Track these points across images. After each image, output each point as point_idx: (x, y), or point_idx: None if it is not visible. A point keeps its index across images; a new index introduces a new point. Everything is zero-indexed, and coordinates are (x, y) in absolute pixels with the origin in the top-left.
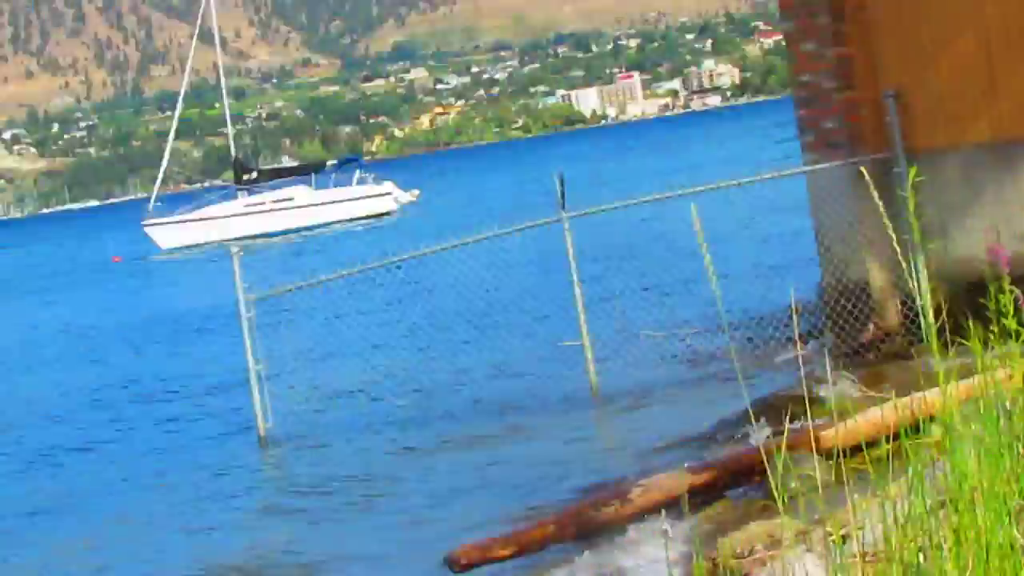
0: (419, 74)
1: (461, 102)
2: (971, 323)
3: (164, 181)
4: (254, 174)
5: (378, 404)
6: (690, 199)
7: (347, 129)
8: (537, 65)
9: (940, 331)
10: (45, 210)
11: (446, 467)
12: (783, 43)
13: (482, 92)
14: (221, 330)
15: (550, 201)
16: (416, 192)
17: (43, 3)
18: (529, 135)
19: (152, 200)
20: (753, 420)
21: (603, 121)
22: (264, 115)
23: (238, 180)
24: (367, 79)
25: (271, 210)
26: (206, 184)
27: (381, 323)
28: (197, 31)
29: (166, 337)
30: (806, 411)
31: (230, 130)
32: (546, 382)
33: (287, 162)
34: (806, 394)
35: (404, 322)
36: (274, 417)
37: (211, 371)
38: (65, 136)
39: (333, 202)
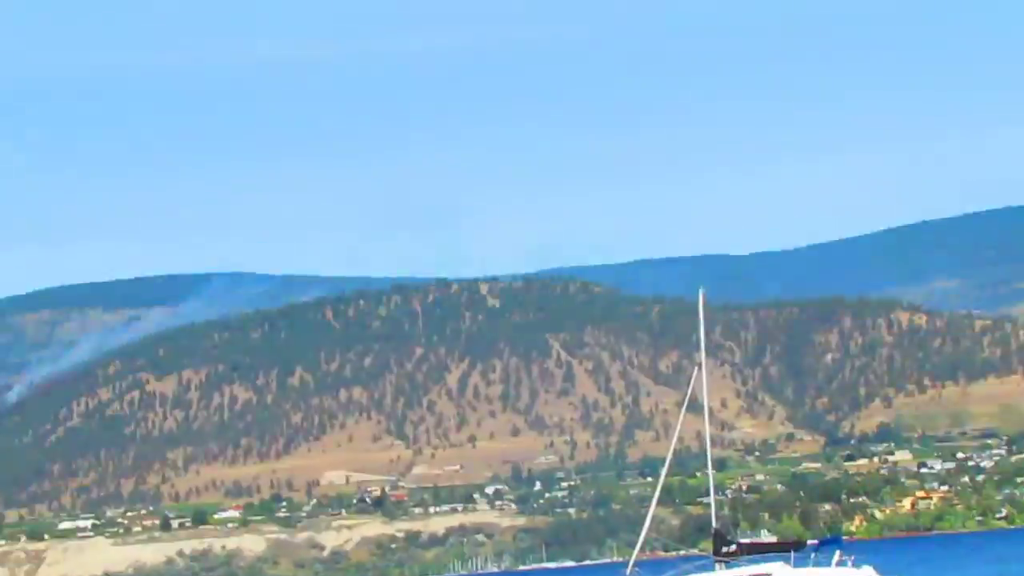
0: (903, 456)
1: (944, 487)
2: None
3: (642, 546)
4: (733, 547)
5: None
6: None
7: (827, 507)
8: None
9: None
10: (522, 567)
11: None
12: None
13: (967, 479)
14: None
15: None
16: None
17: (534, 363)
18: (1013, 526)
19: (631, 566)
20: None
21: None
22: (745, 487)
23: (716, 551)
24: (850, 458)
25: None
26: (683, 552)
27: None
28: (687, 400)
29: None
30: None
31: (713, 501)
32: None
33: (766, 536)
34: None
35: None
36: None
37: None
38: (546, 495)
39: None
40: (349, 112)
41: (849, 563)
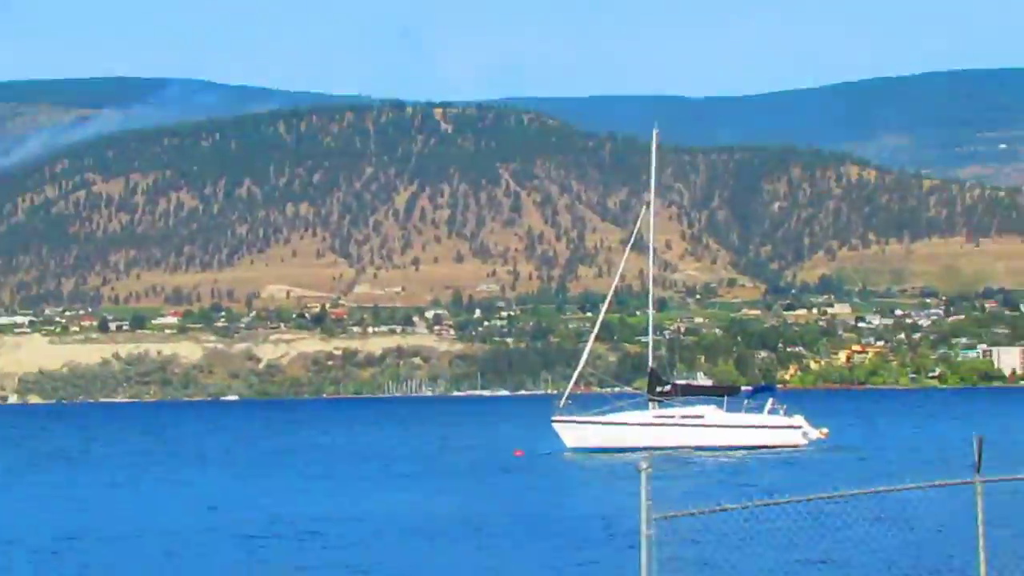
0: (842, 309)
1: (880, 343)
2: None
3: (577, 381)
4: (667, 387)
5: None
6: None
7: (763, 354)
8: (962, 316)
9: None
10: (456, 392)
11: None
12: None
13: (903, 336)
14: (612, 541)
15: (962, 460)
16: (825, 431)
17: (482, 190)
18: (944, 385)
19: (563, 398)
20: None
21: (1021, 382)
22: (683, 329)
23: (651, 391)
24: (790, 307)
25: (679, 425)
26: (618, 389)
27: (785, 562)
28: (632, 238)
29: (553, 537)
30: None
31: (651, 340)
32: None
33: (701, 379)
34: None
35: (803, 562)
36: None
37: None
38: (485, 323)
39: (742, 427)
40: None
41: (781, 411)
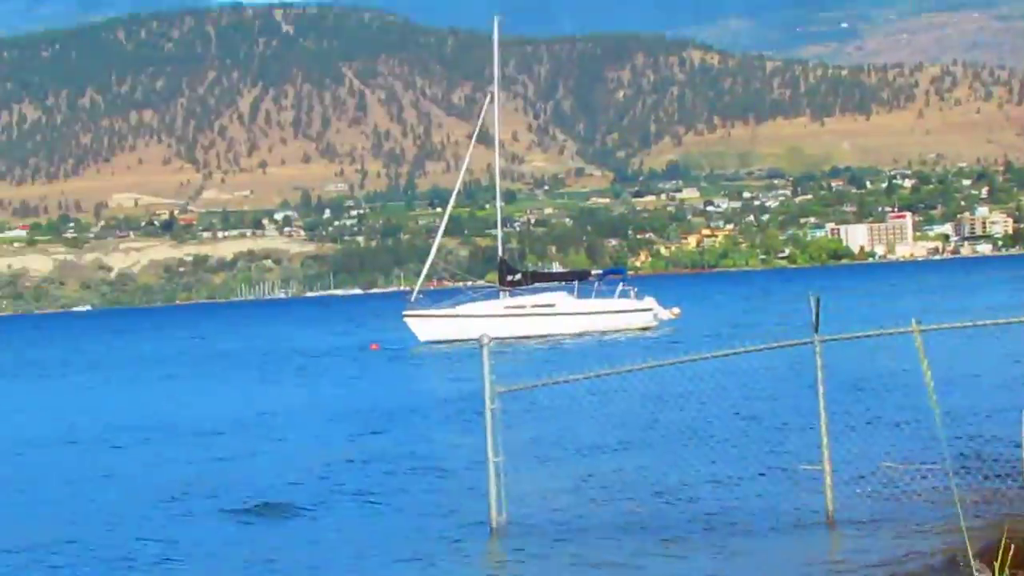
0: (691, 194)
1: (730, 226)
2: None
3: (428, 276)
4: (518, 276)
5: (606, 507)
6: (947, 335)
7: (613, 242)
8: (810, 196)
9: None
10: (309, 293)
11: None
12: None
13: (752, 218)
14: (463, 421)
15: (806, 328)
16: (677, 310)
17: (326, 90)
18: (794, 265)
19: (415, 293)
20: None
21: (870, 259)
22: (533, 220)
23: (502, 281)
24: (638, 194)
25: (531, 314)
26: (469, 283)
27: (619, 427)
28: (477, 132)
29: (414, 421)
30: None
31: (499, 232)
32: (781, 503)
33: (552, 268)
34: None
35: (643, 429)
36: (507, 510)
37: (452, 456)
38: (335, 223)
39: (593, 312)
40: None
41: (632, 294)
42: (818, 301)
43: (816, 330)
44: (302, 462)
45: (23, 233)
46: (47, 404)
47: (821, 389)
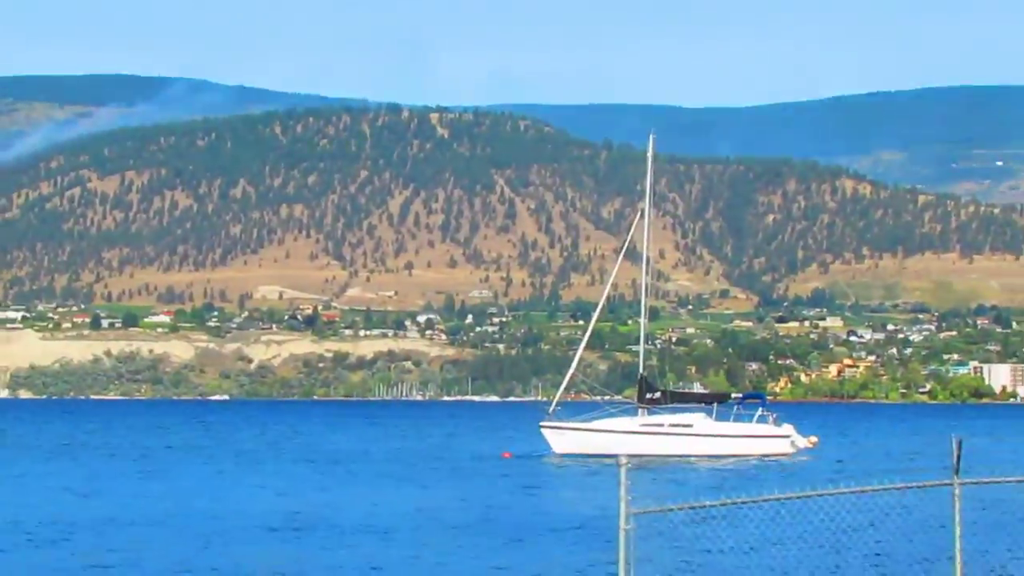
0: (834, 323)
1: (872, 357)
2: None
3: (567, 388)
4: (657, 394)
5: None
6: None
7: (754, 366)
8: (954, 333)
9: None
10: (446, 397)
11: None
12: None
13: (894, 351)
14: (592, 539)
15: (945, 467)
16: (815, 439)
17: (476, 196)
18: (935, 401)
19: (553, 404)
20: None
21: (1012, 399)
22: (674, 339)
23: (640, 398)
24: (782, 320)
25: (668, 433)
26: (607, 397)
27: (751, 553)
28: (625, 247)
29: (538, 537)
30: None
31: (641, 349)
32: None
33: (697, 389)
34: None
35: (776, 558)
36: None
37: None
38: (477, 329)
39: (731, 436)
40: None
41: (770, 420)
42: (960, 443)
43: (957, 473)
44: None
45: (167, 319)
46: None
47: (958, 531)
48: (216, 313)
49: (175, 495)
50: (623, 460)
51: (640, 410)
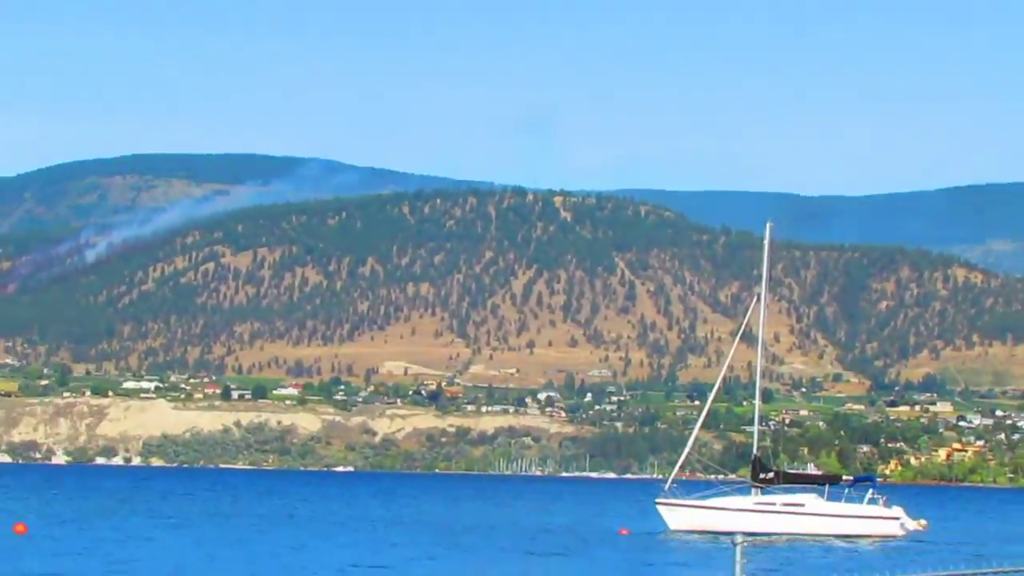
0: (944, 408)
1: (980, 442)
2: None
3: (683, 466)
4: (771, 474)
5: None
6: None
7: (865, 448)
8: None
9: None
10: (564, 473)
11: None
12: None
13: (1003, 436)
14: None
15: None
16: (924, 522)
17: (597, 278)
18: None
19: (669, 482)
20: None
21: None
22: (787, 421)
23: (754, 477)
24: (893, 404)
25: (780, 512)
26: (722, 476)
27: None
28: (741, 330)
29: None
30: None
31: (756, 430)
32: None
33: (812, 470)
34: None
35: None
36: None
37: None
38: (596, 407)
39: (842, 516)
40: (449, 15)
41: (880, 502)
42: None
43: None
44: None
45: (295, 392)
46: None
47: None
48: (343, 387)
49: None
50: (739, 538)
51: (754, 489)
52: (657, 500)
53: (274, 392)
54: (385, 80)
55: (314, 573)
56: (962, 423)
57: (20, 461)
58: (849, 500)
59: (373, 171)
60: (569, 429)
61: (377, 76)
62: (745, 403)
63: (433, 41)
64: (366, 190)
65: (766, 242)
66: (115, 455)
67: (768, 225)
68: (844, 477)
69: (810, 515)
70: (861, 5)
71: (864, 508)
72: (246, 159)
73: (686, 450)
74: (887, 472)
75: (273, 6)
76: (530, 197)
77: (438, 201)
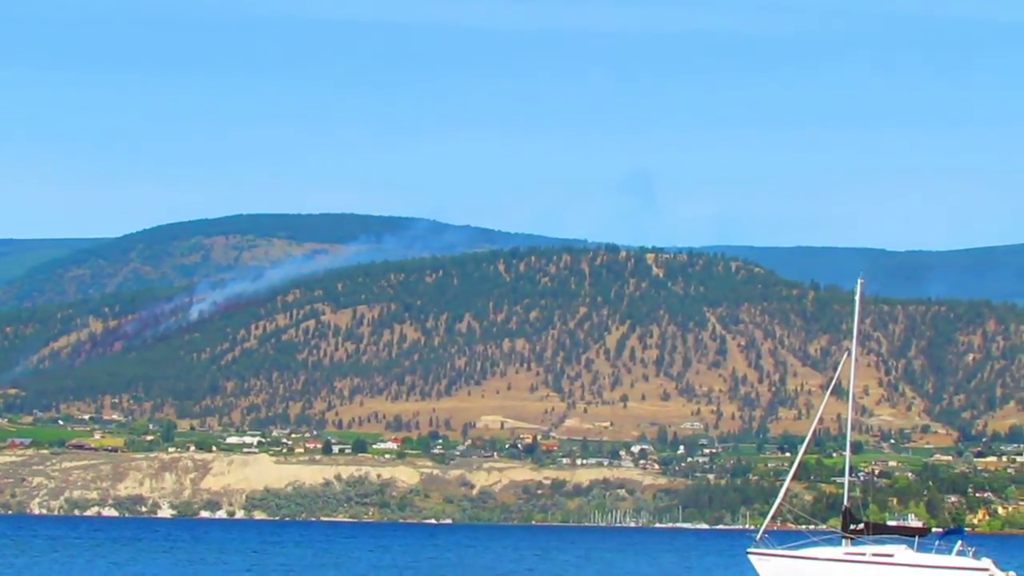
0: None
1: None
2: None
3: (774, 516)
4: (860, 525)
5: None
6: None
7: (953, 498)
8: None
9: None
10: (658, 524)
11: None
12: None
13: None
14: None
15: None
16: (1013, 575)
17: (689, 332)
18: None
19: (760, 532)
20: None
21: None
22: (877, 472)
23: (845, 528)
24: (980, 454)
25: (870, 562)
26: (812, 527)
27: None
28: (832, 384)
29: None
30: None
31: (846, 481)
32: None
33: (912, 521)
34: None
35: None
36: None
37: None
38: (688, 459)
39: (932, 567)
40: (553, 82)
41: (970, 554)
42: None
43: None
44: None
45: (394, 446)
46: None
47: None
48: (441, 441)
49: None
50: None
51: (844, 539)
52: (749, 550)
53: (373, 447)
54: (491, 142)
55: None
56: None
57: (126, 515)
58: (939, 552)
59: (477, 230)
60: (662, 481)
61: (483, 139)
62: (835, 455)
63: (541, 107)
64: (469, 248)
65: (857, 297)
66: (219, 508)
67: (859, 280)
68: (933, 529)
69: (900, 565)
70: (948, 64)
71: (953, 559)
72: (347, 218)
73: (777, 501)
74: (975, 522)
75: (377, 71)
76: (623, 254)
77: (533, 259)
